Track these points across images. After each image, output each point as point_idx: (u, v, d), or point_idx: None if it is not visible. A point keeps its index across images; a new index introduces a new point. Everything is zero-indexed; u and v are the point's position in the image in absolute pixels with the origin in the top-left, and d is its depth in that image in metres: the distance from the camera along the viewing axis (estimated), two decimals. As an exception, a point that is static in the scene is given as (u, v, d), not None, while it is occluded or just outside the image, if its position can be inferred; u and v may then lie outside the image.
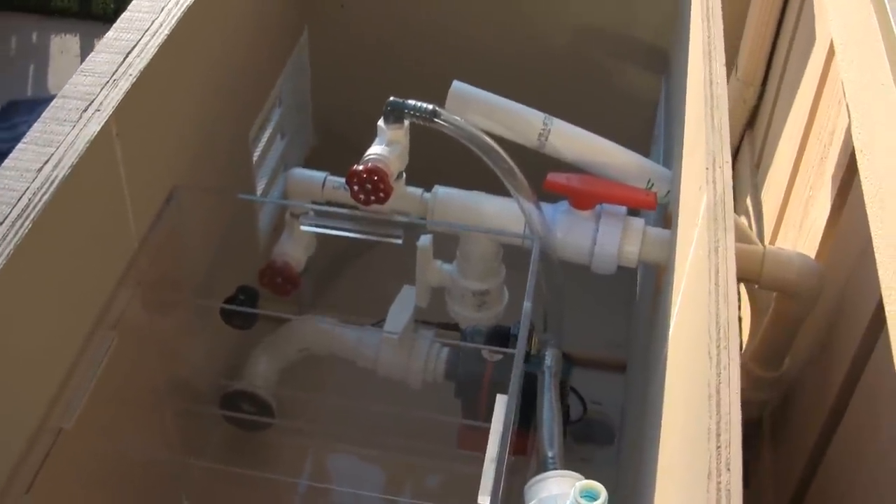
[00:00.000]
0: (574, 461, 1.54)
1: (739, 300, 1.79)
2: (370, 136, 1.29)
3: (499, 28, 1.66)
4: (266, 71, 1.54)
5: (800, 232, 1.52)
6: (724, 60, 1.12)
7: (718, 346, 0.78)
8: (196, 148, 1.26)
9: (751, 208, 1.91)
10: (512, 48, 1.67)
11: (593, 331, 1.64)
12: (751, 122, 2.10)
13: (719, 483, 0.68)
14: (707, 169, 0.95)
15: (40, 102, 2.51)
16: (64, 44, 2.79)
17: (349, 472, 1.54)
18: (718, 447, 0.71)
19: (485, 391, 1.35)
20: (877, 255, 0.95)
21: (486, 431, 1.02)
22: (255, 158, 1.50)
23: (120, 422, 1.18)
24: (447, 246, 1.39)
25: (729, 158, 0.96)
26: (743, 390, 1.47)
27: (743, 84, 2.02)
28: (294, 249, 1.39)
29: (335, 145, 1.76)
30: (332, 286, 1.77)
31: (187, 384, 1.38)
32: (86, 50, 2.75)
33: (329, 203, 1.38)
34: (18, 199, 0.91)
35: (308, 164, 1.71)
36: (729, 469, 0.69)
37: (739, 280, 1.40)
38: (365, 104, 1.40)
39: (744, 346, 1.69)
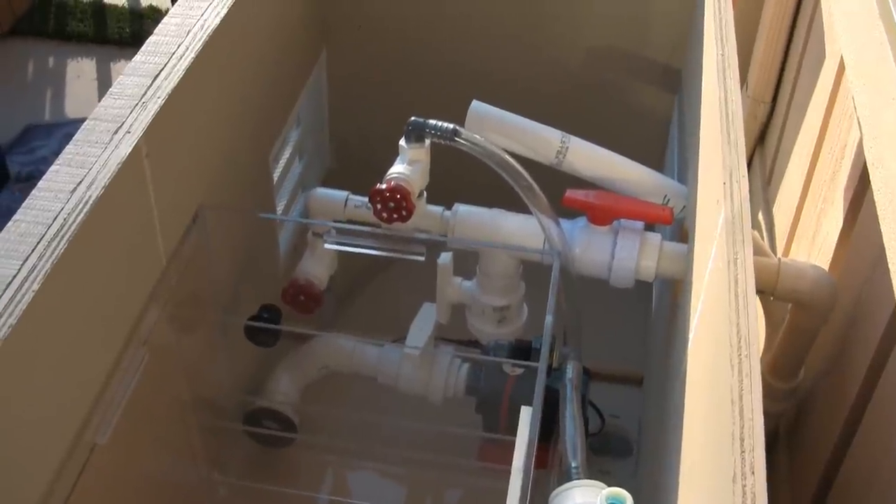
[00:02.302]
0: (593, 473, 1.55)
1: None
2: (386, 158, 1.30)
3: (515, 49, 1.68)
4: (286, 92, 1.56)
5: (812, 245, 1.53)
6: (738, 78, 1.14)
7: (740, 355, 0.80)
8: (220, 168, 1.28)
9: (763, 223, 1.92)
10: (529, 68, 1.69)
11: (610, 345, 1.64)
12: (761, 138, 2.12)
13: (744, 486, 0.70)
14: (724, 183, 0.97)
15: (58, 126, 2.54)
16: (80, 68, 2.82)
17: (370, 487, 1.55)
18: (743, 452, 0.72)
19: (505, 405, 1.36)
20: (891, 267, 0.97)
21: (507, 445, 1.03)
22: (274, 179, 1.52)
23: (148, 438, 1.19)
24: (467, 263, 1.40)
25: (745, 173, 0.98)
26: (759, 402, 1.49)
27: (753, 101, 2.04)
28: (316, 268, 1.41)
29: (351, 167, 1.77)
30: (353, 304, 1.78)
31: (212, 401, 1.40)
32: (102, 74, 2.78)
33: (350, 222, 1.40)
34: (54, 220, 0.93)
35: (325, 186, 1.73)
36: (753, 472, 0.71)
37: (755, 292, 1.42)
38: (381, 125, 1.42)
39: (760, 357, 1.70)
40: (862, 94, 1.21)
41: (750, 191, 2.10)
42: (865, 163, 1.12)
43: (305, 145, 1.68)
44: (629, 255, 1.26)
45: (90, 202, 0.95)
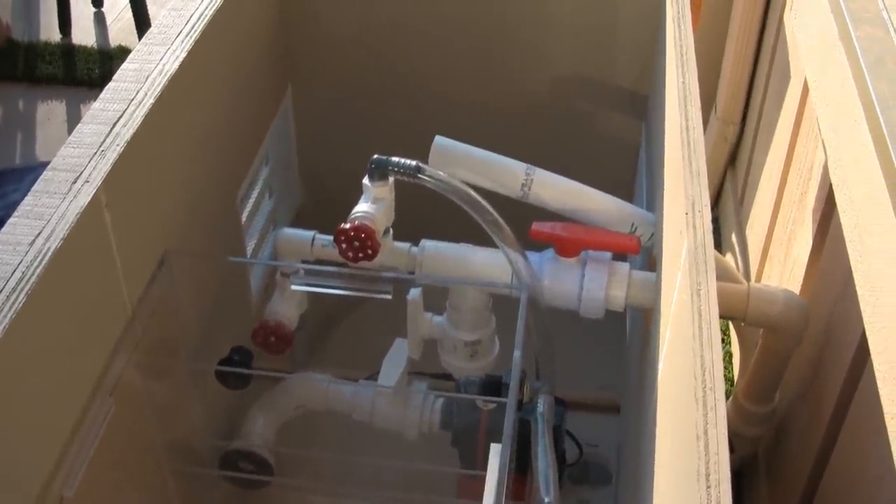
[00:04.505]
0: (573, 503, 1.55)
1: (729, 337, 1.80)
2: (357, 192, 1.30)
3: (480, 81, 1.68)
4: (252, 131, 1.55)
5: (784, 266, 1.53)
6: (699, 106, 1.13)
7: (704, 388, 0.79)
8: (185, 212, 1.27)
9: (736, 244, 1.92)
10: (493, 100, 1.69)
11: (585, 373, 1.64)
12: (732, 159, 2.12)
13: (710, 522, 0.70)
14: (687, 214, 0.96)
15: (28, 170, 2.53)
16: (50, 111, 2.81)
17: (350, 526, 1.54)
18: (708, 487, 0.72)
19: (481, 439, 1.35)
20: (858, 290, 0.97)
21: (484, 480, 1.03)
22: (244, 218, 1.51)
23: (119, 487, 1.18)
24: (437, 298, 1.40)
25: (708, 202, 0.98)
26: (736, 426, 1.50)
27: (723, 122, 2.05)
28: (286, 308, 1.40)
29: (323, 202, 1.77)
30: (325, 342, 1.77)
31: (185, 446, 1.39)
32: (71, 115, 2.77)
33: (318, 261, 1.39)
34: (12, 273, 0.92)
35: (297, 222, 1.73)
36: (719, 508, 0.71)
37: (726, 318, 1.42)
38: (350, 160, 1.41)
39: (734, 382, 1.70)
40: (826, 115, 1.22)
41: (722, 213, 2.12)
42: (832, 184, 1.12)
43: (275, 183, 1.68)
44: (597, 285, 1.26)
45: (49, 254, 0.94)
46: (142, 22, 2.96)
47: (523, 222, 1.28)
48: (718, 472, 0.73)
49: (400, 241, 1.36)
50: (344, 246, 1.24)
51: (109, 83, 1.17)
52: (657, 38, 1.53)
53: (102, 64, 2.93)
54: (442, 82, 1.69)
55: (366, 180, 1.27)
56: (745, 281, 1.33)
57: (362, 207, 1.26)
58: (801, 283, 1.42)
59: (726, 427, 0.77)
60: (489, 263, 1.32)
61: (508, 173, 1.34)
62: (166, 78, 1.18)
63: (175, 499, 1.36)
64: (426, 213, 1.38)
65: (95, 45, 3.07)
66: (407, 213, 1.34)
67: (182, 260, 1.23)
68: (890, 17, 1.23)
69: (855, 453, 1.14)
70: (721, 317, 0.91)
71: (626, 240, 1.29)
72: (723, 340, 1.64)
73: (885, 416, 0.90)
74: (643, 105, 1.66)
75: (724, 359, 0.93)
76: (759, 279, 1.71)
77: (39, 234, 0.96)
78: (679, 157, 1.05)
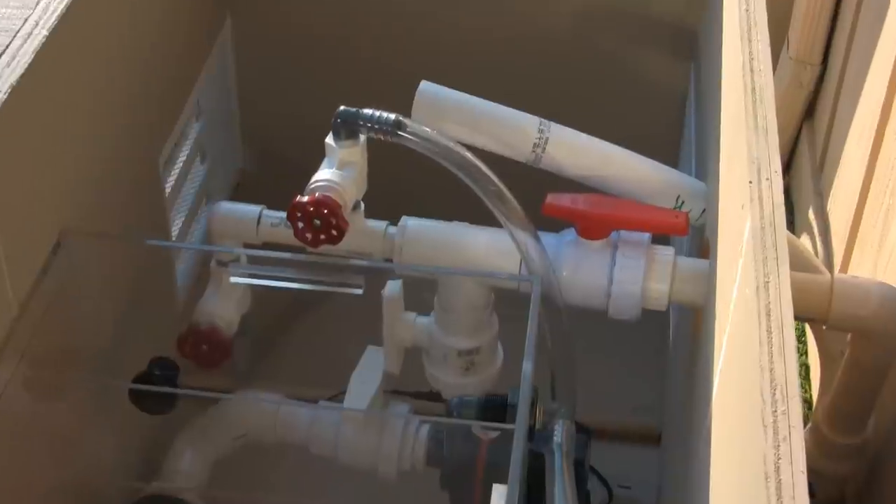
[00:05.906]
0: (599, 563, 1.55)
1: (805, 344, 1.79)
2: (317, 155, 1.29)
3: (479, 9, 1.67)
4: (179, 75, 1.55)
5: (879, 253, 1.53)
6: (768, 39, 1.13)
7: (775, 412, 0.78)
8: (90, 180, 1.26)
9: (814, 223, 1.92)
10: (497, 35, 1.69)
11: (616, 394, 1.64)
12: (810, 111, 2.12)
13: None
14: (751, 183, 0.96)
15: None
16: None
17: None
18: (782, 542, 0.71)
19: (478, 478, 1.35)
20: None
21: (483, 531, 1.02)
22: (168, 189, 1.51)
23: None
24: (422, 293, 1.39)
25: (779, 168, 0.97)
26: (816, 461, 1.49)
27: (797, 63, 2.04)
28: (222, 308, 1.39)
29: (272, 168, 1.76)
30: (274, 352, 1.78)
31: (88, 489, 1.38)
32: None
33: (266, 245, 1.38)
34: None
35: (237, 194, 1.72)
36: (799, 570, 0.70)
37: (802, 320, 1.41)
38: (308, 113, 1.41)
39: (813, 403, 1.70)
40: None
41: (796, 181, 2.11)
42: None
43: (209, 142, 1.68)
44: (632, 276, 1.25)
45: None
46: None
47: (536, 194, 1.28)
48: (795, 523, 0.72)
49: (374, 218, 1.35)
50: (301, 225, 1.23)
51: (-13, 11, 1.16)
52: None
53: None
54: (430, 12, 1.68)
55: (329, 139, 1.27)
56: (827, 271, 1.32)
57: (325, 175, 1.25)
58: (901, 275, 1.42)
59: (805, 463, 0.76)
60: (491, 248, 1.32)
61: (517, 130, 1.33)
62: (64, 4, 1.17)
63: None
64: (409, 183, 1.38)
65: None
66: (383, 181, 1.33)
67: (85, 243, 1.22)
68: None
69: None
70: (796, 318, 0.90)
71: (670, 216, 1.29)
72: (797, 349, 1.64)
73: None
74: (692, 42, 1.65)
75: (799, 374, 0.92)
76: (845, 269, 1.71)
77: None
78: (741, 108, 1.04)
